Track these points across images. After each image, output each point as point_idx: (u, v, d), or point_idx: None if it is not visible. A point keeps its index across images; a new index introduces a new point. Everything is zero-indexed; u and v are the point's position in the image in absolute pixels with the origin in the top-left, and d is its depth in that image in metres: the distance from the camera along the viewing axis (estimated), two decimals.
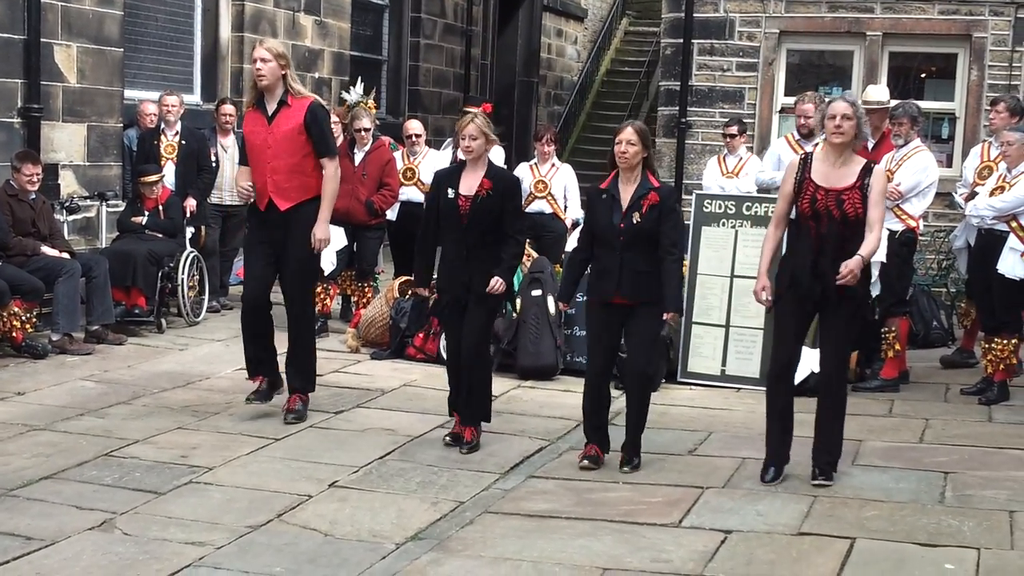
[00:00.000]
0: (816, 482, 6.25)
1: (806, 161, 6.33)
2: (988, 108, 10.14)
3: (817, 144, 7.66)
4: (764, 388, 6.95)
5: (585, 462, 6.56)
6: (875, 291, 8.59)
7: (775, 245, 6.40)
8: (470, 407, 6.91)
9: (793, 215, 6.32)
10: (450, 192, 6.78)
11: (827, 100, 6.50)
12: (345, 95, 10.91)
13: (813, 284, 6.16)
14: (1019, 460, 6.86)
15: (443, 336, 7.78)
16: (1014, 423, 7.80)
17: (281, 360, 7.46)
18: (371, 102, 11.30)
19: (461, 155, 6.90)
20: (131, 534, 5.31)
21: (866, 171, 6.18)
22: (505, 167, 8.98)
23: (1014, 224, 8.23)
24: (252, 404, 7.36)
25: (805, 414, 6.70)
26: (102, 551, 5.09)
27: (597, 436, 6.64)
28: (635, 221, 6.37)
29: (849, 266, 6.07)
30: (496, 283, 6.75)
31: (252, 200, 7.32)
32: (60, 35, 10.33)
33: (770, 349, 7.04)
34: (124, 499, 5.76)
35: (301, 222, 7.15)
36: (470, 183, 6.77)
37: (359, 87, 11.83)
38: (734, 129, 10.91)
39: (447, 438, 6.98)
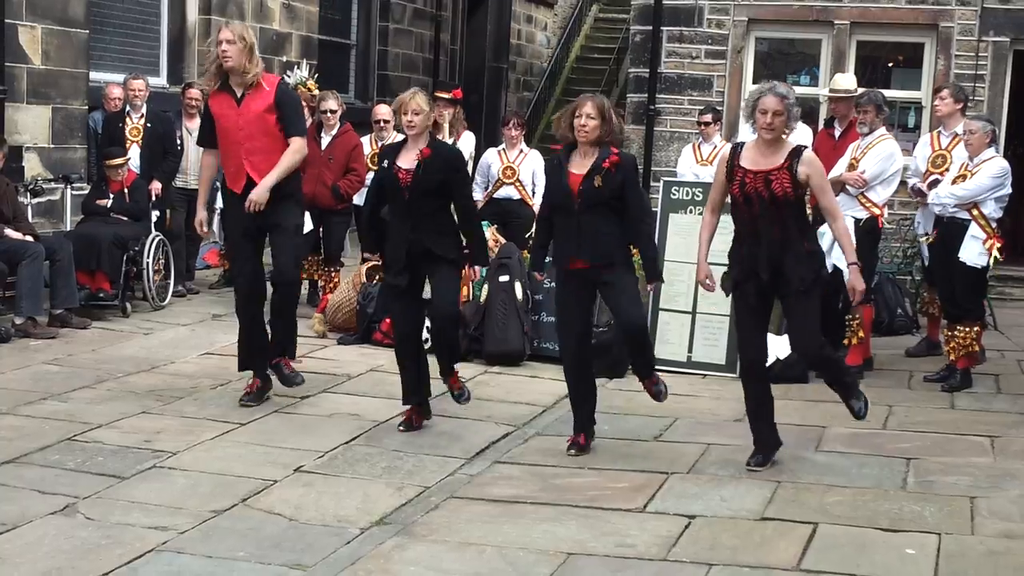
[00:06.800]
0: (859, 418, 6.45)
1: (736, 149, 6.38)
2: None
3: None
4: (730, 374, 6.96)
5: (572, 451, 6.55)
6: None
7: (711, 232, 6.48)
8: (450, 358, 7.01)
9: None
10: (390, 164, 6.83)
11: (757, 89, 6.40)
12: (287, 76, 10.81)
13: (766, 274, 6.20)
14: (980, 446, 6.92)
15: None
16: (976, 410, 7.88)
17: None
18: (311, 83, 11.18)
19: (404, 131, 6.92)
20: (94, 519, 5.28)
21: (795, 153, 6.20)
22: (473, 154, 8.97)
23: (975, 212, 8.30)
24: (247, 407, 7.26)
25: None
26: (64, 535, 5.06)
27: (581, 426, 6.61)
28: (596, 185, 6.30)
29: (856, 288, 6.29)
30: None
31: (220, 186, 7.27)
32: (25, 16, 10.23)
33: (736, 336, 7.07)
34: (87, 484, 5.73)
35: (283, 196, 7.15)
36: (411, 156, 6.76)
37: (304, 68, 11.69)
38: (708, 117, 10.94)
39: (401, 427, 6.94)
